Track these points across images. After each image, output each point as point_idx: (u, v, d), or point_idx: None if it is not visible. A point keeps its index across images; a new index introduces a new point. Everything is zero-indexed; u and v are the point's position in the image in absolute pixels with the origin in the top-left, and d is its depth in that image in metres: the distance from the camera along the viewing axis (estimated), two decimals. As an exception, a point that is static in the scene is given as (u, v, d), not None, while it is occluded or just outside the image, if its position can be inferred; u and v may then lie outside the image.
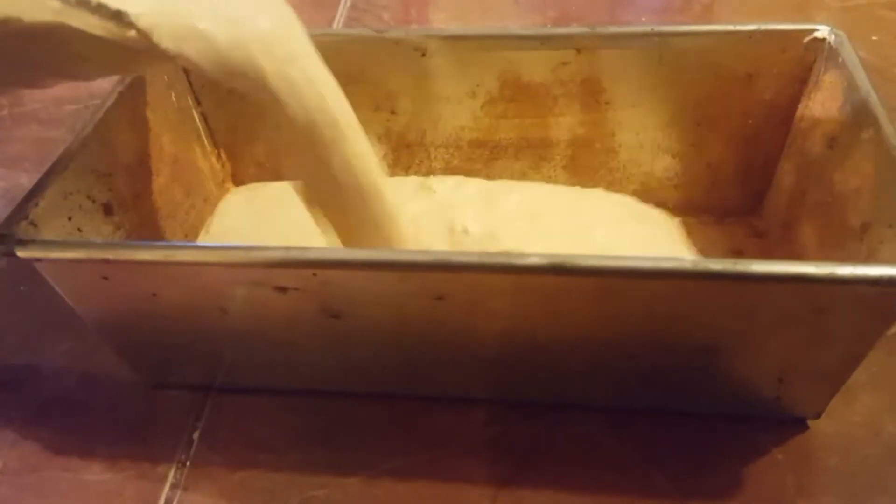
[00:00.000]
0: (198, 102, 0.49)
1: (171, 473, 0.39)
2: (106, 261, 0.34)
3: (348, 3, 0.75)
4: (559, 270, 0.31)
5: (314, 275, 0.33)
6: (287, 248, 0.33)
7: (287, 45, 0.32)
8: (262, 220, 0.47)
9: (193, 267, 0.34)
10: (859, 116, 0.39)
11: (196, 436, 0.40)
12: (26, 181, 0.37)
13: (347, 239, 0.37)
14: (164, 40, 0.29)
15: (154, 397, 0.42)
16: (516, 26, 0.48)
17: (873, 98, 0.38)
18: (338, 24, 0.72)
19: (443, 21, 0.73)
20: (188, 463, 0.39)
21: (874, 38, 0.66)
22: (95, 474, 0.39)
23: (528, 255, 0.31)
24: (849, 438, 0.38)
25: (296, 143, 0.34)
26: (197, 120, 0.49)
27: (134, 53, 0.30)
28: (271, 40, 0.31)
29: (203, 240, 0.47)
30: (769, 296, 0.32)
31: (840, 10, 0.71)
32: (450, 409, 0.40)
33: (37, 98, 0.65)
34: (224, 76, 0.31)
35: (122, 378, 0.42)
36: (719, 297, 0.32)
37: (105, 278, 0.35)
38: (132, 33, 0.29)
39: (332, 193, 0.35)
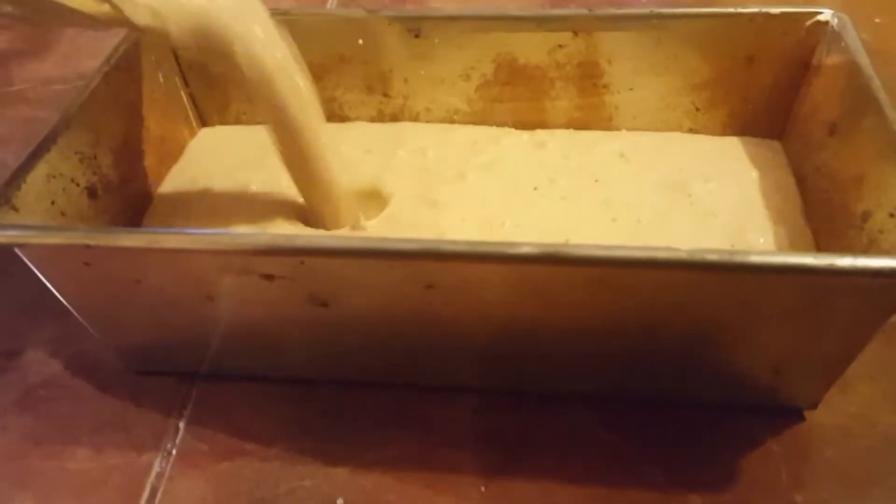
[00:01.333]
0: (186, 83, 0.48)
1: (157, 462, 0.38)
2: (87, 247, 0.33)
3: (343, -17, 0.74)
4: (552, 260, 0.30)
5: (301, 262, 0.33)
6: (274, 236, 0.32)
7: (246, 16, 0.36)
8: (228, 164, 0.46)
9: (177, 254, 0.33)
10: (861, 102, 0.38)
11: (182, 424, 0.39)
12: (13, 162, 0.37)
13: (294, 174, 0.40)
14: (137, 15, 0.32)
15: (139, 384, 0.41)
16: (512, 7, 0.47)
17: (876, 83, 0.37)
18: (332, 4, 0.71)
19: (439, 1, 0.72)
20: (174, 451, 0.38)
21: (877, 20, 0.65)
22: (79, 462, 0.38)
23: (521, 245, 0.31)
24: (845, 430, 0.38)
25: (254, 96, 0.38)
26: (185, 101, 0.48)
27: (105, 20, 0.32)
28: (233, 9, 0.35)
29: (168, 183, 0.46)
30: (767, 287, 0.31)
31: (843, -9, 0.69)
32: (440, 398, 0.39)
33: (25, 78, 0.64)
34: (189, 42, 0.34)
35: (107, 364, 0.42)
36: (716, 288, 0.32)
37: (87, 264, 0.34)
38: (106, 7, 0.31)
39: (280, 131, 0.38)
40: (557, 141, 0.46)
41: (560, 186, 0.43)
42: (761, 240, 0.39)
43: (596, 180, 0.43)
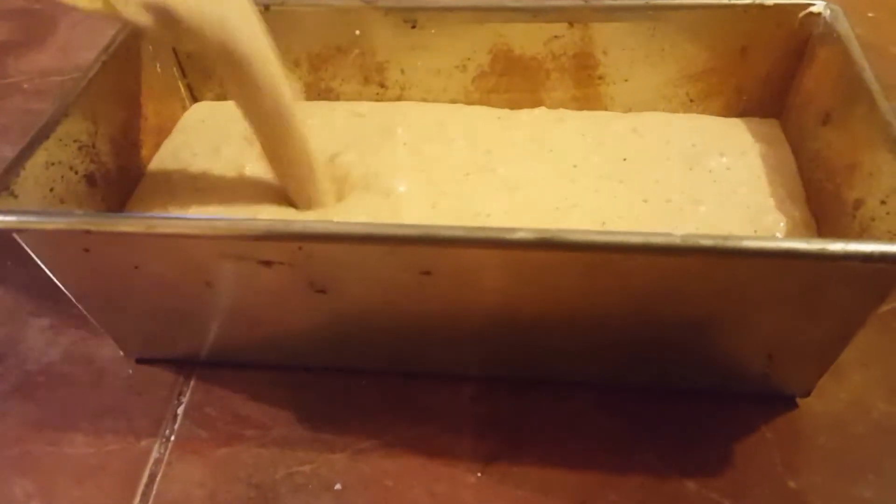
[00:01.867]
0: (183, 74, 0.48)
1: (156, 448, 0.38)
2: (87, 232, 0.33)
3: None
4: (547, 245, 0.31)
5: (300, 248, 0.33)
6: (272, 221, 0.33)
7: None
8: (219, 139, 0.46)
9: (175, 239, 0.33)
10: (854, 92, 0.38)
11: (181, 410, 0.40)
12: (10, 153, 0.37)
13: (267, 149, 0.41)
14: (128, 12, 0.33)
15: (139, 371, 0.41)
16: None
17: (868, 73, 0.38)
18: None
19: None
20: (172, 438, 0.38)
21: (870, 14, 0.65)
22: (78, 448, 0.38)
23: (516, 230, 0.31)
24: (838, 416, 0.38)
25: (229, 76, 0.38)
26: (182, 91, 0.49)
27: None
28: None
29: (159, 156, 0.46)
30: (760, 272, 0.31)
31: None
32: (437, 384, 0.40)
33: (22, 69, 0.64)
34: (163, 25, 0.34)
35: (106, 352, 0.42)
36: (709, 273, 0.32)
37: (86, 250, 0.34)
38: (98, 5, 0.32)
39: (255, 112, 0.39)
40: (571, 119, 0.46)
41: (595, 164, 0.43)
42: (781, 223, 0.39)
43: (624, 159, 0.43)
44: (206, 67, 0.48)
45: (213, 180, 0.44)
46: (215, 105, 0.49)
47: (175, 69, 0.48)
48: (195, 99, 0.49)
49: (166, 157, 0.46)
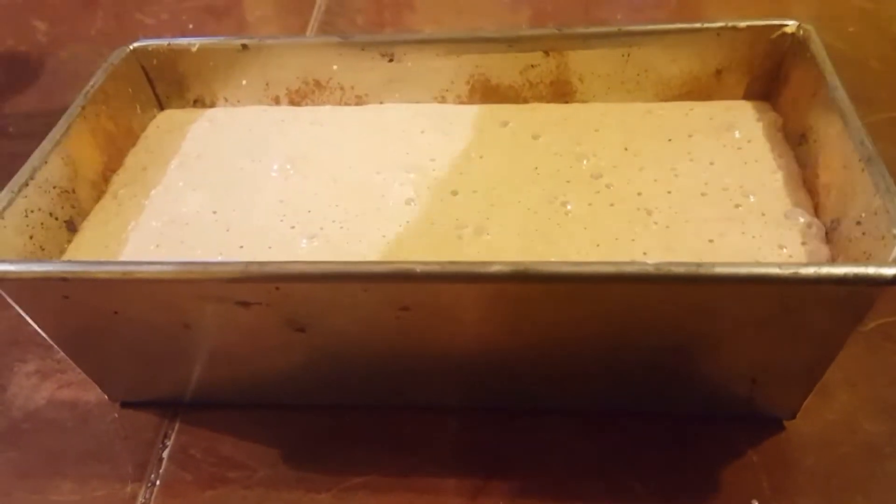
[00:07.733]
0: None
1: (141, 493, 0.38)
2: (64, 280, 0.33)
3: (322, 8, 0.75)
4: (521, 278, 0.31)
5: (276, 288, 0.33)
6: (247, 263, 0.33)
7: None
8: (186, 147, 0.46)
9: (152, 284, 0.33)
10: (827, 111, 0.38)
11: (165, 454, 0.39)
12: (-2, 198, 0.37)
13: None
14: None
15: (123, 415, 0.41)
16: (484, 29, 0.47)
17: (840, 93, 0.38)
18: (311, 29, 0.72)
19: (417, 23, 0.73)
20: (158, 482, 0.38)
21: (851, 29, 0.65)
22: (64, 495, 0.38)
23: (492, 264, 0.31)
24: (825, 437, 0.38)
25: None
26: (163, 132, 0.49)
27: None
28: None
29: (126, 166, 0.45)
30: (735, 297, 0.31)
31: (818, 1, 0.70)
32: (420, 418, 0.39)
33: (5, 112, 0.64)
34: None
35: (91, 396, 0.42)
36: (684, 300, 0.32)
37: (65, 297, 0.34)
38: None
39: None
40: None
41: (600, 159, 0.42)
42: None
43: (625, 148, 0.42)
44: (187, 107, 0.48)
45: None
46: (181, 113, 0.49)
47: (155, 110, 0.48)
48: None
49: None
